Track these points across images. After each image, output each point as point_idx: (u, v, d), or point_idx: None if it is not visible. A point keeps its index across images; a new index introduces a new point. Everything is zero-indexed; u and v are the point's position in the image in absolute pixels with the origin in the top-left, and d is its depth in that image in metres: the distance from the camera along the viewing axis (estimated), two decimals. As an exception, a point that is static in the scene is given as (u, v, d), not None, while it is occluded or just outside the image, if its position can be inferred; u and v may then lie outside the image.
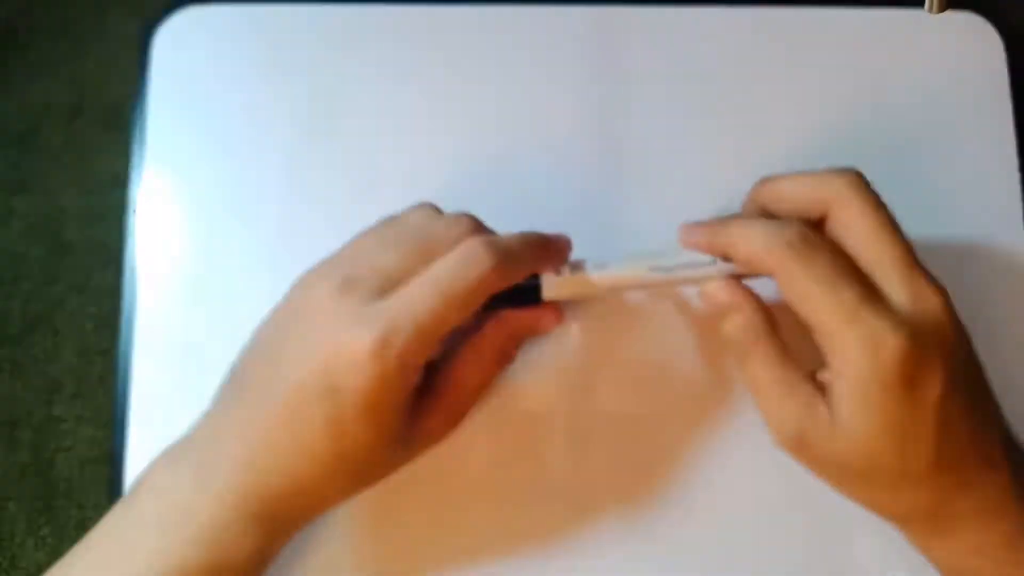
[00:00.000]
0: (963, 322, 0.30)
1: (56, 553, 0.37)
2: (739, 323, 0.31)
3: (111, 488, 0.36)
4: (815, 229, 0.30)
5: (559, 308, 0.34)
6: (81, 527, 0.38)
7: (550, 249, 0.33)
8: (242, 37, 0.41)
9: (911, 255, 0.30)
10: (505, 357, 0.33)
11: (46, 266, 0.41)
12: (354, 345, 0.27)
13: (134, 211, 0.39)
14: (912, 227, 0.38)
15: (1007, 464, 0.29)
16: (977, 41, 0.41)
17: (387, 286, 0.29)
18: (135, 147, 0.40)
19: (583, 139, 0.40)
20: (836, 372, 0.29)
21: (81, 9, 0.43)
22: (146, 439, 0.37)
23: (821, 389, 0.30)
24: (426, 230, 0.31)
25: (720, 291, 0.32)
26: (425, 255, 0.30)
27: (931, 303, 0.29)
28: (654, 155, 0.39)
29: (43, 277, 0.40)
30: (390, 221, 0.33)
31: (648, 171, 0.39)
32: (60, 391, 0.39)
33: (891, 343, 0.27)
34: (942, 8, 0.33)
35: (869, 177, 0.29)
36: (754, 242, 0.30)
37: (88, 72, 0.43)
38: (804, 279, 0.29)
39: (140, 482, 0.30)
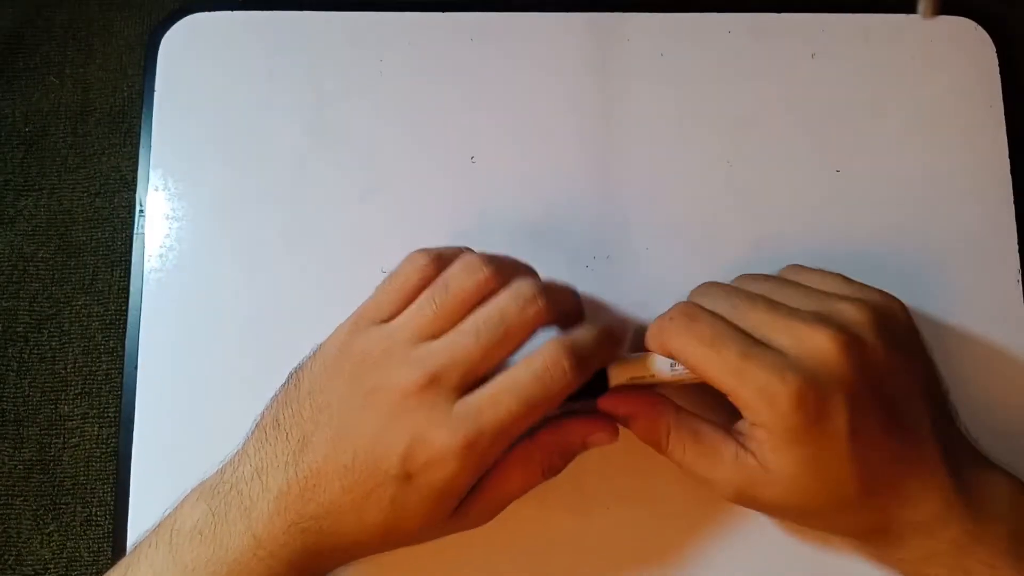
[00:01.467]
0: (913, 333, 0.31)
1: (62, 550, 0.38)
2: (642, 428, 0.32)
3: (117, 486, 0.37)
4: (699, 306, 0.32)
5: (614, 424, 0.33)
6: (87, 524, 0.38)
7: (615, 342, 0.33)
8: (246, 43, 0.41)
9: (775, 310, 0.31)
10: (551, 470, 0.32)
11: (53, 266, 0.41)
12: (441, 444, 0.29)
13: (140, 212, 0.40)
14: (902, 230, 0.39)
15: (948, 472, 0.30)
16: (969, 45, 0.41)
17: (469, 380, 0.30)
18: (141, 149, 0.40)
19: (583, 142, 0.40)
20: (749, 423, 0.30)
21: (88, 13, 0.44)
22: (152, 437, 0.37)
23: (743, 438, 0.31)
24: (501, 314, 0.31)
25: (616, 405, 0.33)
26: (505, 344, 0.30)
27: (814, 341, 0.29)
28: (651, 159, 0.40)
29: (50, 277, 0.41)
30: (445, 289, 0.31)
31: (646, 175, 0.40)
32: (67, 389, 0.40)
33: (781, 390, 0.28)
34: (935, 13, 0.34)
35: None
36: (650, 329, 0.32)
37: (95, 75, 0.43)
38: (686, 346, 0.30)
39: (178, 518, 0.31)
